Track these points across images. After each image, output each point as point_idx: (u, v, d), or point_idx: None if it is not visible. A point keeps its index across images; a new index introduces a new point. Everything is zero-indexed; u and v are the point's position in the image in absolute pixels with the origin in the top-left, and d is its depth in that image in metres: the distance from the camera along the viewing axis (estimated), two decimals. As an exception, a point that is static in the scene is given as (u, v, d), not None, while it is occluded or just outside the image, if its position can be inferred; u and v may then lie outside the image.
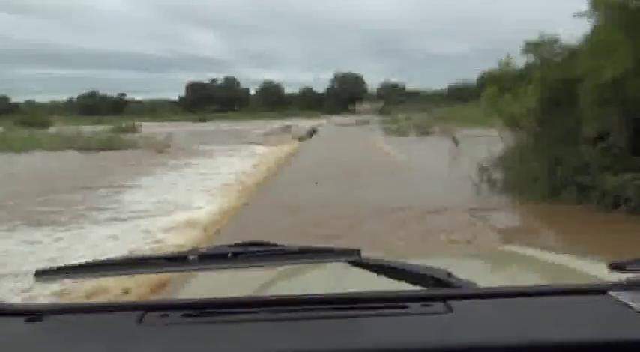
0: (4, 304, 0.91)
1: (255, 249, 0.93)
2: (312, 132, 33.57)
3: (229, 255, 0.90)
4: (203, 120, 70.52)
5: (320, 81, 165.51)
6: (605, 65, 6.76)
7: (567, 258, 1.72)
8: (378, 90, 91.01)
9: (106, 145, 25.49)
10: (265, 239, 0.98)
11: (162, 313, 0.84)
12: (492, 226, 7.08)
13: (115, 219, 8.59)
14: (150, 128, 40.38)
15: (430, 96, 77.71)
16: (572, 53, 8.32)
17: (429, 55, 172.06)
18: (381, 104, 76.17)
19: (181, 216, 8.36)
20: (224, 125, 52.82)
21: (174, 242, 6.36)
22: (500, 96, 9.53)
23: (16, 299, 3.79)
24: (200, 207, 9.25)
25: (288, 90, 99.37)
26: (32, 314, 0.85)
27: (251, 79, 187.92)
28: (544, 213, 7.73)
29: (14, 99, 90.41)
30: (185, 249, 0.99)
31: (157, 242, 6.62)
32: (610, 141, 7.40)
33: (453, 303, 0.83)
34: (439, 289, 0.92)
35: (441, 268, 0.97)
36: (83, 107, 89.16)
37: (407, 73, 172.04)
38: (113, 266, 0.92)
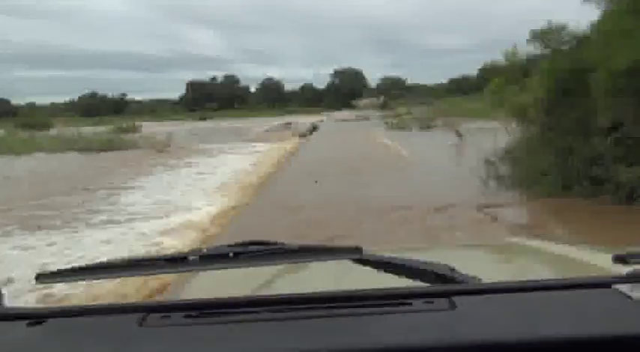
0: (5, 308, 0.90)
1: (256, 248, 0.92)
2: (313, 128, 33.41)
3: (230, 254, 0.89)
4: (203, 118, 70.59)
5: (320, 77, 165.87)
6: (619, 53, 6.45)
7: (572, 250, 1.69)
8: (378, 85, 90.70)
9: (106, 146, 25.49)
10: (266, 239, 0.97)
11: (164, 314, 0.83)
12: (503, 223, 6.79)
13: (111, 222, 8.41)
14: (150, 128, 40.41)
15: (430, 89, 77.48)
16: (582, 41, 7.98)
17: (428, 49, 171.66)
18: (381, 99, 75.83)
19: (180, 218, 8.16)
20: (224, 123, 52.78)
21: (172, 244, 6.13)
22: (507, 88, 9.22)
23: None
24: (199, 208, 9.04)
25: (288, 87, 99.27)
26: (33, 317, 0.84)
27: (251, 76, 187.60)
28: (557, 208, 7.42)
29: (15, 102, 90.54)
30: (185, 250, 0.98)
31: (154, 245, 6.37)
32: (624, 131, 7.09)
33: (457, 299, 0.81)
34: (442, 285, 0.91)
35: (444, 263, 0.96)
36: (84, 108, 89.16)
37: (407, 67, 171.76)
38: (113, 268, 0.92)
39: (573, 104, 7.76)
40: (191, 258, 0.89)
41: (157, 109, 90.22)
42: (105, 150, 24.13)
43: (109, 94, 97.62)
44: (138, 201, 10.35)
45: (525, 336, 0.71)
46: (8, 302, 0.92)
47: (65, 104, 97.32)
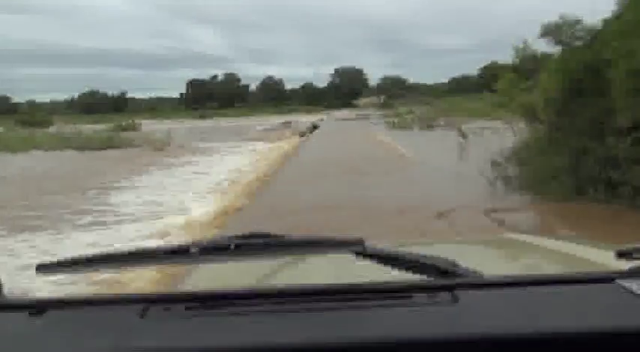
0: (6, 298, 0.90)
1: (257, 240, 0.91)
2: (313, 127, 33.22)
3: (232, 246, 0.88)
4: (204, 117, 70.59)
5: (320, 76, 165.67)
6: None
7: (573, 246, 1.70)
8: (379, 84, 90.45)
9: (104, 144, 25.51)
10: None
11: (166, 306, 0.82)
12: (514, 230, 6.38)
13: (98, 224, 8.07)
14: (150, 126, 40.35)
15: (431, 89, 77.28)
16: (597, 36, 7.54)
17: (428, 48, 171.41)
18: (381, 98, 75.57)
19: (171, 221, 7.78)
20: (224, 122, 52.66)
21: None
22: (516, 86, 8.80)
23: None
24: (193, 210, 8.67)
25: (288, 86, 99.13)
26: (35, 307, 0.84)
27: (251, 75, 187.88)
28: (571, 214, 6.95)
29: (15, 99, 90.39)
30: (187, 242, 0.94)
31: None
32: (643, 132, 6.66)
33: (460, 293, 0.81)
34: (444, 279, 0.88)
35: (446, 257, 0.93)
36: (84, 106, 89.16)
37: (407, 66, 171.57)
38: (115, 259, 0.92)
39: (587, 103, 7.32)
40: (192, 249, 0.88)
41: (157, 107, 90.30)
42: (103, 149, 24.11)
43: (110, 92, 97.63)
44: (129, 201, 10.02)
45: (528, 330, 0.71)
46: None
47: (65, 102, 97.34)
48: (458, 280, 0.88)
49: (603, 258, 1.21)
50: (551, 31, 8.04)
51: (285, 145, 21.96)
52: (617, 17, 7.06)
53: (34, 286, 4.31)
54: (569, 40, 7.93)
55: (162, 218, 8.25)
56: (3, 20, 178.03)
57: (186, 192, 10.82)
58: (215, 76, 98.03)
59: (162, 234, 6.92)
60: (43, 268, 0.89)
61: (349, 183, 10.70)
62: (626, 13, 6.76)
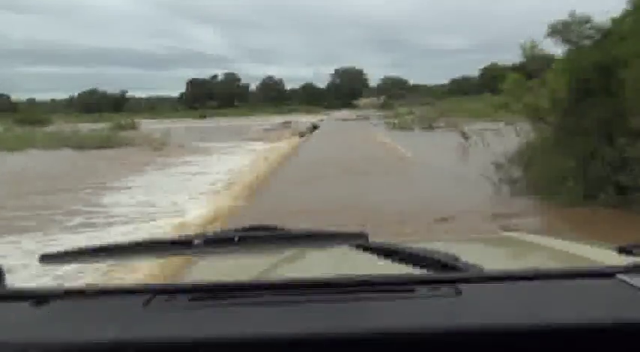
0: (10, 288, 0.90)
1: (260, 233, 0.93)
2: (313, 128, 33.03)
3: (235, 239, 0.89)
4: (203, 116, 70.46)
5: (321, 76, 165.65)
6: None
7: (572, 244, 1.67)
8: (379, 84, 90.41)
9: (102, 143, 25.32)
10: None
11: (170, 296, 0.82)
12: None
13: (88, 225, 7.80)
14: (149, 125, 40.11)
15: (431, 90, 77.22)
16: (608, 34, 7.25)
17: (429, 49, 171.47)
18: (381, 99, 75.45)
19: (164, 223, 7.52)
20: (224, 121, 52.47)
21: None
22: (522, 86, 8.52)
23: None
24: (187, 211, 8.41)
25: (288, 86, 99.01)
26: (38, 297, 0.83)
27: (251, 74, 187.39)
28: (581, 219, 6.62)
29: (15, 98, 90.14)
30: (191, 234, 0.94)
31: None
32: (655, 134, 6.39)
33: (462, 287, 0.81)
34: (447, 273, 0.89)
35: (448, 252, 0.95)
36: (84, 105, 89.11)
37: (407, 67, 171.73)
38: (118, 250, 0.92)
39: (596, 103, 7.05)
40: (196, 241, 0.89)
41: (157, 107, 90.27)
42: (100, 148, 23.85)
43: (110, 91, 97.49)
44: (122, 202, 9.74)
45: (529, 322, 0.71)
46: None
47: (65, 101, 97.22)
48: (460, 274, 0.88)
49: (604, 256, 1.23)
50: (558, 30, 7.75)
51: (285, 146, 21.77)
52: (629, 15, 6.77)
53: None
54: (577, 39, 7.64)
55: (158, 219, 7.98)
56: (4, 19, 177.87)
57: (182, 193, 10.54)
58: (215, 76, 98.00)
59: (157, 235, 6.67)
60: (47, 258, 0.89)
61: (349, 184, 10.45)
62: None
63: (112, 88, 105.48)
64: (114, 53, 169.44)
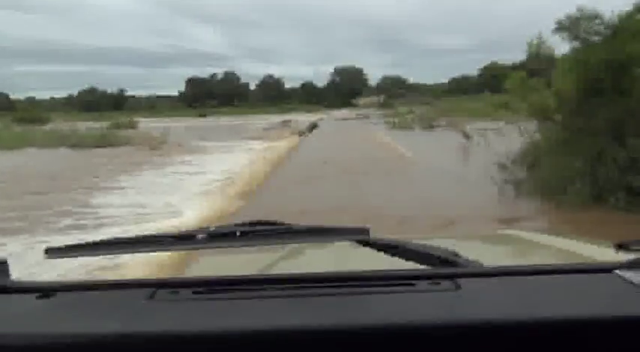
0: (15, 281, 0.90)
1: (263, 227, 0.93)
2: (313, 127, 32.82)
3: (238, 233, 0.90)
4: (203, 115, 70.19)
5: (320, 75, 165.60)
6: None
7: (570, 241, 1.68)
8: (379, 84, 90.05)
9: (100, 142, 25.04)
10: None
11: (173, 290, 0.83)
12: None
13: (77, 227, 7.54)
14: (149, 124, 39.85)
15: (431, 89, 77.02)
16: (618, 31, 6.98)
17: (428, 48, 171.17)
18: (381, 98, 75.22)
19: (157, 226, 7.24)
20: (224, 120, 52.26)
21: (140, 260, 5.19)
22: (526, 84, 8.27)
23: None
24: (184, 213, 8.15)
25: (288, 85, 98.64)
26: (43, 291, 0.85)
27: (251, 73, 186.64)
28: (592, 223, 6.37)
29: (14, 97, 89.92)
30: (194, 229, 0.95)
31: (116, 266, 5.34)
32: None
33: (461, 281, 0.82)
34: (447, 268, 0.90)
35: (448, 248, 0.96)
36: (83, 103, 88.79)
37: (407, 66, 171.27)
38: (122, 244, 0.93)
39: (606, 102, 6.80)
40: (199, 236, 0.89)
41: (156, 105, 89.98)
42: (98, 147, 23.63)
43: (109, 90, 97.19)
44: (114, 203, 9.47)
45: (528, 316, 0.72)
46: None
47: (64, 99, 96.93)
48: (460, 269, 0.89)
49: (601, 252, 1.25)
50: (566, 26, 7.48)
51: (284, 145, 21.56)
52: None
53: None
54: (586, 35, 7.37)
55: (150, 222, 7.70)
56: (3, 17, 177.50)
57: (179, 194, 10.28)
58: (215, 75, 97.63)
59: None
60: (52, 252, 0.90)
61: (349, 185, 10.22)
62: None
63: (111, 87, 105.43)
64: (114, 52, 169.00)
